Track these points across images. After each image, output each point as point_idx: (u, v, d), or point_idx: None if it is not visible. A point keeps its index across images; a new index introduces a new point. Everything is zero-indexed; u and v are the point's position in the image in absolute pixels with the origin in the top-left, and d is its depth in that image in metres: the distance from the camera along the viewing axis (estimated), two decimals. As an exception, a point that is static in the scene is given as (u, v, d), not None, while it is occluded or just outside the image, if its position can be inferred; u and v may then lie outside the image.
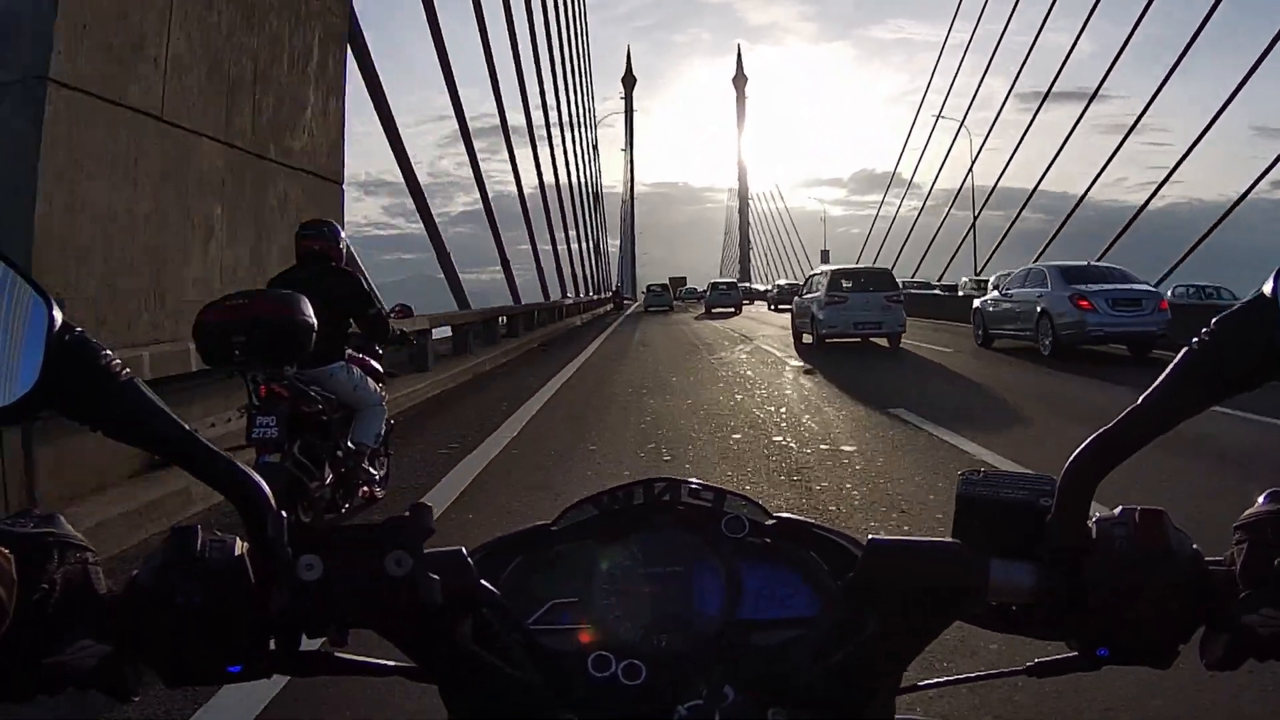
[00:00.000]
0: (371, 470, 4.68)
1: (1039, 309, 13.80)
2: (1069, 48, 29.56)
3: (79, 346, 0.51)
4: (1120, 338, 13.21)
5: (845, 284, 16.68)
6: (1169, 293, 18.95)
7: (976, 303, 16.93)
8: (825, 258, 49.56)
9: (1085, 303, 13.03)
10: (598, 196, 56.05)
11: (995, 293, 16.28)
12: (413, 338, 9.60)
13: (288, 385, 3.88)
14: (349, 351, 4.60)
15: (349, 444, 4.42)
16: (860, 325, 16.19)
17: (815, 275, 18.26)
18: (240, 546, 0.53)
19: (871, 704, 0.58)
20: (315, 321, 3.60)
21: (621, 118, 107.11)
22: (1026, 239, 32.44)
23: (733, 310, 40.65)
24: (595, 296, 44.83)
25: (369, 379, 4.60)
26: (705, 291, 49.03)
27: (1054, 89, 34.59)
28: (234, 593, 0.51)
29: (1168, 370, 0.52)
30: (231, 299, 3.64)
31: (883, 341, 16.55)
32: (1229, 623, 0.49)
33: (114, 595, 0.52)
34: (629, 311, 47.70)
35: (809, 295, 17.62)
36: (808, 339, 17.54)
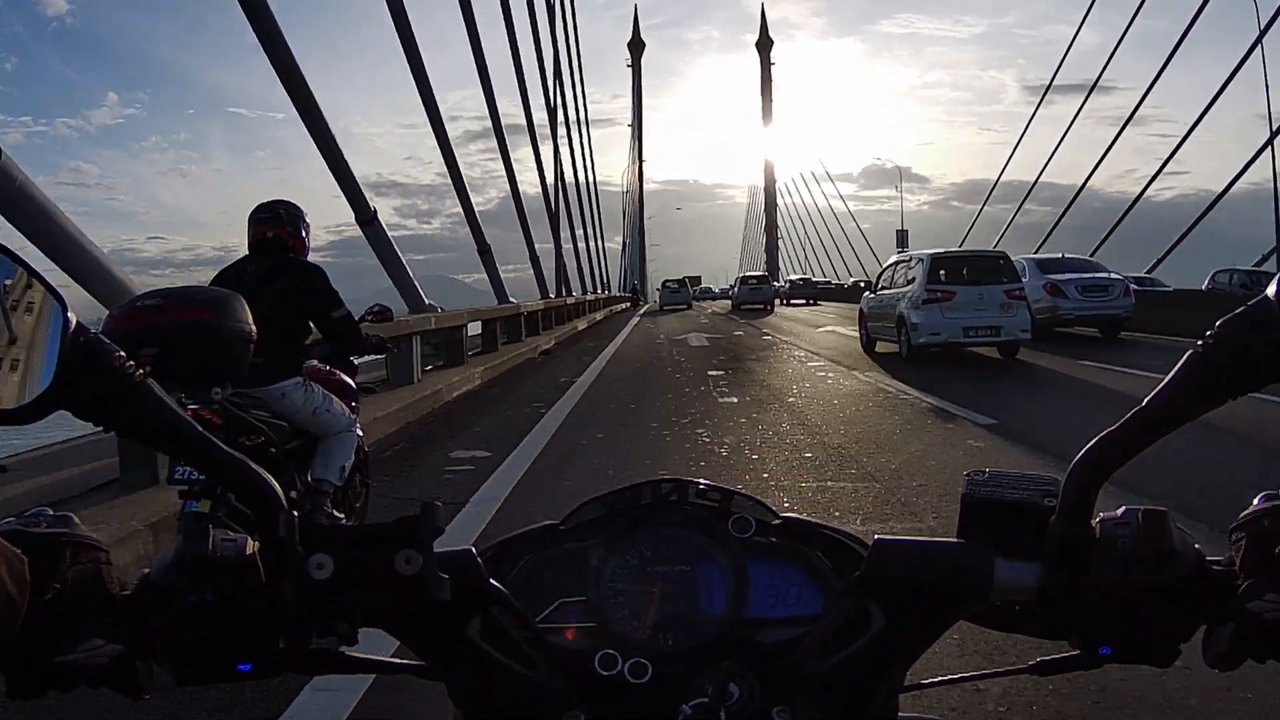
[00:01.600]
0: (336, 514, 3.51)
1: (1019, 297, 14.61)
2: (1113, 46, 28.50)
3: (93, 348, 0.51)
4: (1089, 320, 14.55)
5: (945, 274, 12.08)
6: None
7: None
8: (903, 240, 38.60)
9: (1057, 290, 14.21)
10: (595, 192, 52.31)
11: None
12: (393, 346, 9.69)
13: (220, 410, 3.09)
14: (312, 364, 3.76)
15: (308, 480, 3.53)
16: (972, 331, 11.59)
17: (899, 263, 13.60)
18: (251, 545, 0.53)
19: (876, 702, 0.59)
20: (252, 330, 2.90)
21: (629, 114, 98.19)
22: (1059, 233, 31.72)
23: (762, 307, 35.77)
24: (585, 297, 36.92)
25: (334, 399, 3.66)
26: (731, 288, 45.63)
27: (1062, 82, 34.03)
28: (244, 591, 0.52)
29: (1172, 372, 0.52)
30: (143, 300, 2.87)
31: (990, 351, 12.12)
32: (1233, 613, 0.50)
33: (125, 594, 0.52)
34: (643, 310, 44.27)
35: (890, 290, 13.02)
36: (886, 348, 12.97)
